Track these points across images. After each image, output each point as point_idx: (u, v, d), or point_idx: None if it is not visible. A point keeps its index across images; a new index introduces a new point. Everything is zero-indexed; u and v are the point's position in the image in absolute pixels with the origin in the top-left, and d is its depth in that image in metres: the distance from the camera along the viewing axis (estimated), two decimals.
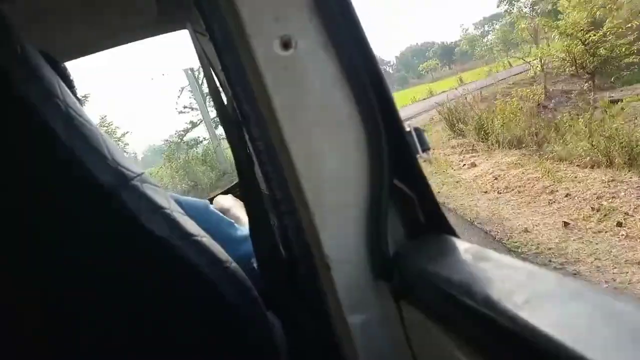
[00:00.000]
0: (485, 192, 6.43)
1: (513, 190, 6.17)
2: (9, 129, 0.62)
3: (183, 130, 16.37)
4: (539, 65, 16.32)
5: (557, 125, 8.53)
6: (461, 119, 11.20)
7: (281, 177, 0.61)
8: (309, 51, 0.56)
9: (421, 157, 0.63)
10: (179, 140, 16.41)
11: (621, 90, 11.58)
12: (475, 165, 7.74)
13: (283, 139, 0.57)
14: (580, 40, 13.13)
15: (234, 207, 1.43)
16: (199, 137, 16.35)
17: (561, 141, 7.61)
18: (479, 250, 0.49)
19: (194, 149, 16.11)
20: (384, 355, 0.61)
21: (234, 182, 2.20)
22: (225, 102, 0.97)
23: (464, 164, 7.97)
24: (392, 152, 0.59)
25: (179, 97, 17.07)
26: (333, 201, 0.59)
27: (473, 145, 9.46)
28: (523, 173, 6.60)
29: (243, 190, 1.05)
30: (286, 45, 0.55)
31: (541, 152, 7.55)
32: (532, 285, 0.37)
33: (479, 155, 8.49)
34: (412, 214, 0.61)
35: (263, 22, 0.55)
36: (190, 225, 0.72)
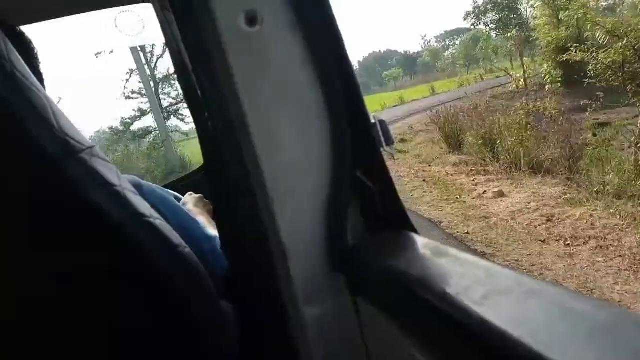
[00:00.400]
0: (543, 241, 4.37)
1: (588, 242, 4.14)
2: None
3: (129, 118, 15.10)
4: (522, 80, 16.01)
5: (574, 148, 7.17)
6: (457, 130, 9.89)
7: (239, 158, 0.58)
8: (275, 29, 0.53)
9: (385, 150, 0.62)
10: (125, 129, 15.21)
11: (604, 113, 11.16)
12: (504, 195, 5.91)
13: (243, 118, 0.55)
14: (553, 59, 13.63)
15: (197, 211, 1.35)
16: (149, 126, 15.07)
17: (600, 171, 6.29)
18: (437, 247, 0.48)
19: (142, 140, 14.97)
20: (337, 349, 0.60)
21: (188, 172, 2.12)
22: (191, 82, 0.93)
23: (484, 191, 6.19)
24: (356, 143, 0.58)
25: (127, 80, 14.95)
26: (292, 187, 0.57)
27: (481, 164, 7.98)
28: (591, 216, 4.60)
29: (209, 175, 1.01)
30: (252, 21, 0.52)
31: (584, 183, 6.05)
32: (490, 281, 0.37)
33: (498, 180, 6.74)
34: (373, 208, 0.60)
35: None
36: (142, 205, 0.68)
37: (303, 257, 0.59)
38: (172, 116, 15.47)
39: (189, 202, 1.34)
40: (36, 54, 0.88)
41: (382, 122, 0.60)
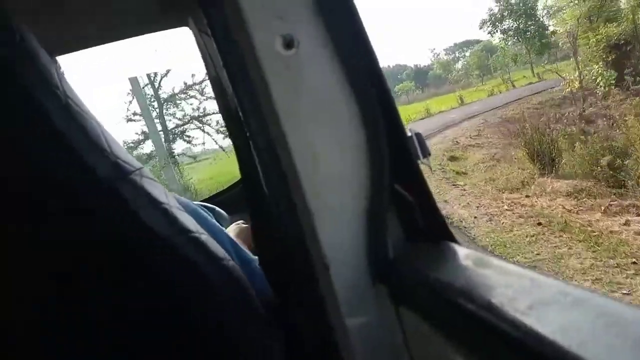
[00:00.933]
0: None
1: None
2: (8, 118, 0.61)
3: (133, 142, 13.93)
4: (577, 82, 14.29)
5: None
6: (550, 146, 7.79)
7: (281, 175, 0.60)
8: (311, 51, 0.55)
9: (422, 162, 0.62)
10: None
11: None
12: None
13: (284, 137, 0.57)
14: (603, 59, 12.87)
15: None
16: (152, 151, 13.71)
17: None
18: (480, 257, 0.48)
19: (146, 165, 13.84)
20: (383, 359, 0.60)
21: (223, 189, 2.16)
22: (229, 100, 0.97)
23: None
24: (393, 156, 0.59)
25: (130, 102, 13.58)
26: (333, 202, 0.59)
27: (614, 194, 5.82)
28: None
29: (247, 193, 1.04)
30: (289, 44, 0.55)
31: None
32: (535, 291, 0.37)
33: None
34: (412, 220, 0.60)
35: (265, 20, 0.54)
36: (188, 221, 0.71)
37: (345, 269, 0.60)
38: (178, 138, 14.56)
39: (233, 231, 1.36)
40: (64, 76, 0.93)
41: (418, 134, 0.61)
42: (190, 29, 1.16)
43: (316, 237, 0.59)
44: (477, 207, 6.78)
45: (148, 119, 12.14)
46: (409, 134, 0.60)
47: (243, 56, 0.58)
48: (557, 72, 16.54)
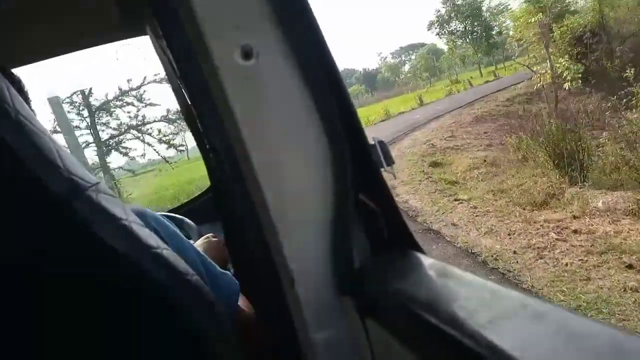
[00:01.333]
0: None
1: None
2: None
3: None
4: (548, 76, 13.44)
5: None
6: (576, 147, 6.17)
7: (244, 189, 0.59)
8: (271, 61, 0.54)
9: (385, 170, 0.62)
10: None
11: None
12: None
13: (245, 150, 0.56)
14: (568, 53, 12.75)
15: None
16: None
17: None
18: (443, 267, 0.48)
19: None
20: None
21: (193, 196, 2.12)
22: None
23: None
24: (357, 166, 0.58)
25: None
26: (296, 214, 0.58)
27: None
28: None
29: (217, 203, 1.02)
30: (247, 55, 0.54)
31: None
32: (495, 304, 0.37)
33: None
34: (377, 229, 0.60)
35: (223, 30, 0.53)
36: (149, 237, 0.69)
37: (311, 282, 0.59)
38: (113, 150, 13.50)
39: (201, 246, 1.32)
40: (27, 92, 0.90)
41: (381, 142, 0.61)
42: (149, 35, 1.14)
43: (281, 251, 0.58)
44: (509, 234, 4.82)
45: (67, 132, 10.61)
46: (372, 142, 0.60)
47: (201, 68, 0.57)
48: (527, 66, 15.57)
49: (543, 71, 13.75)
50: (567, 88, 13.47)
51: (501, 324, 0.34)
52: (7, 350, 0.65)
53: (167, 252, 0.71)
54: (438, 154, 10.30)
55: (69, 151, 0.68)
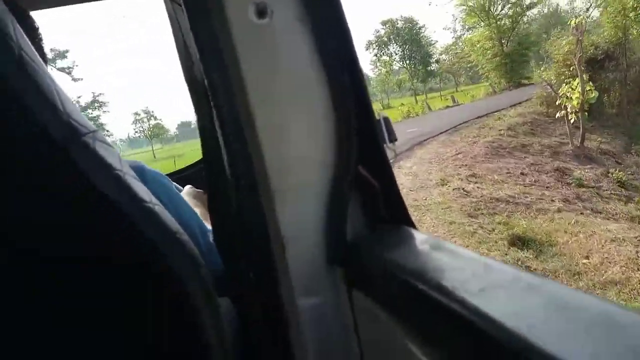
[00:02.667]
0: None
1: None
2: None
3: None
4: (576, 100, 10.71)
5: None
6: None
7: (244, 150, 0.59)
8: (285, 23, 0.54)
9: (388, 147, 0.62)
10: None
11: None
12: None
13: (250, 111, 0.55)
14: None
15: (194, 204, 1.33)
16: None
17: None
18: (436, 242, 0.48)
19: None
20: (331, 341, 0.60)
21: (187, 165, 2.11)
22: (195, 72, 0.94)
23: None
24: (360, 139, 0.58)
25: None
26: (295, 181, 0.58)
27: None
28: None
29: (207, 170, 1.01)
30: (261, 13, 0.53)
31: None
32: (487, 276, 0.37)
33: None
34: (374, 203, 0.60)
35: None
36: (142, 191, 0.68)
37: (302, 249, 0.59)
38: None
39: (188, 194, 1.34)
40: (41, 37, 0.89)
41: (386, 118, 0.61)
42: None
43: (275, 215, 0.58)
44: None
45: None
46: (377, 117, 0.60)
47: (214, 24, 0.56)
48: (551, 87, 13.19)
49: (569, 93, 11.03)
50: (573, 120, 11.20)
51: (491, 294, 0.34)
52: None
53: (159, 208, 0.71)
54: (491, 211, 6.69)
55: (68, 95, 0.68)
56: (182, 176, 1.72)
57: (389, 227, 0.58)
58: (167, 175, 1.88)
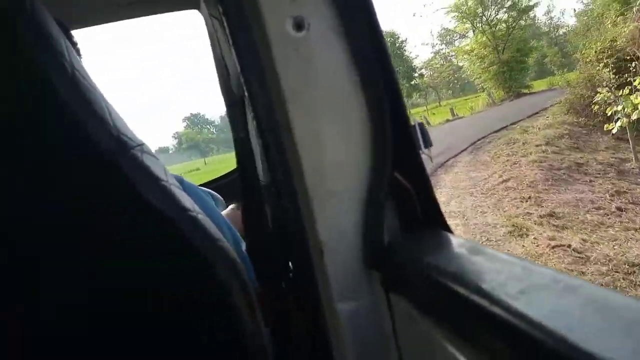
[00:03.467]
0: None
1: None
2: (13, 86, 0.61)
3: None
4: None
5: None
6: None
7: (283, 159, 0.61)
8: (321, 34, 0.56)
9: (423, 152, 0.63)
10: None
11: None
12: None
13: (288, 120, 0.57)
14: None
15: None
16: None
17: None
18: (473, 245, 0.49)
19: None
20: (370, 345, 0.61)
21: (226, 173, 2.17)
22: (232, 84, 0.97)
23: None
24: (396, 145, 0.59)
25: None
26: (333, 187, 0.59)
27: None
28: None
29: (241, 177, 1.05)
30: (299, 26, 0.55)
31: None
32: (526, 278, 0.37)
33: None
34: (410, 208, 0.61)
35: (278, 0, 0.55)
36: (187, 200, 0.71)
37: (339, 254, 0.60)
38: None
39: (226, 213, 1.37)
40: (78, 48, 0.94)
41: (421, 124, 0.62)
42: (201, 11, 1.17)
43: (313, 221, 0.60)
44: None
45: None
46: (412, 123, 0.61)
47: (253, 36, 0.59)
48: (609, 87, 10.04)
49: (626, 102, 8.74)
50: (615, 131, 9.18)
51: (531, 295, 0.35)
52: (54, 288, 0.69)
53: (202, 216, 0.74)
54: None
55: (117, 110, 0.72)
56: (214, 186, 1.77)
57: (425, 232, 0.59)
58: (207, 183, 1.95)
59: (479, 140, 13.38)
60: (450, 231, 0.57)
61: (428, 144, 0.61)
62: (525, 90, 28.44)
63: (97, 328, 0.71)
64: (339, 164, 0.59)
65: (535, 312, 0.32)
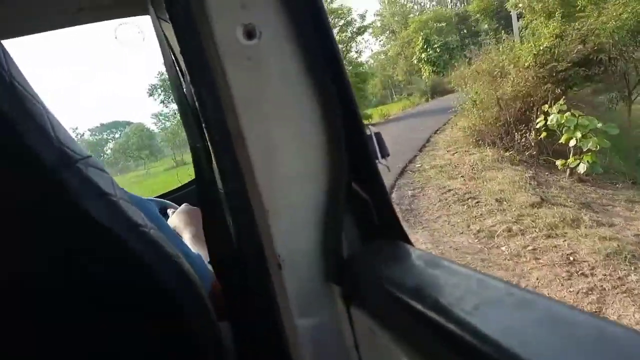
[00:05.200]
0: None
1: None
2: None
3: None
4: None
5: None
6: None
7: (236, 169, 0.58)
8: (273, 42, 0.54)
9: (380, 162, 0.62)
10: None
11: None
12: None
13: (240, 130, 0.55)
14: None
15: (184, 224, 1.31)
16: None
17: None
18: (431, 258, 0.48)
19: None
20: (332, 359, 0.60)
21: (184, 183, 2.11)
22: (185, 92, 0.94)
23: None
24: (352, 154, 0.58)
25: None
26: (288, 199, 0.57)
27: None
28: None
29: (199, 186, 1.01)
30: (250, 34, 0.53)
31: None
32: (481, 292, 0.37)
33: None
34: (368, 219, 0.60)
35: (227, 8, 0.53)
36: (136, 215, 0.68)
37: (298, 268, 0.59)
38: None
39: (183, 212, 1.33)
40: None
41: (377, 134, 0.61)
42: (150, 15, 1.12)
43: (270, 235, 0.58)
44: None
45: None
46: (368, 132, 0.60)
47: (202, 44, 0.56)
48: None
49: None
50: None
51: (486, 311, 0.34)
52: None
53: (154, 231, 0.70)
54: None
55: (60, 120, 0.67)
56: (176, 196, 1.72)
57: (384, 243, 0.58)
58: (161, 195, 1.88)
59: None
60: (409, 241, 0.57)
61: (385, 153, 0.60)
62: (366, 121, 26.58)
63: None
64: (294, 174, 0.58)
65: (490, 329, 0.32)
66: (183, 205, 1.39)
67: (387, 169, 0.63)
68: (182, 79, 0.96)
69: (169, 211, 1.43)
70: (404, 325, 0.43)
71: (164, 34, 0.98)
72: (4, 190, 0.61)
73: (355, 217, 0.60)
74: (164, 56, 1.05)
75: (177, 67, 1.00)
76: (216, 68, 0.56)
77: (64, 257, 0.65)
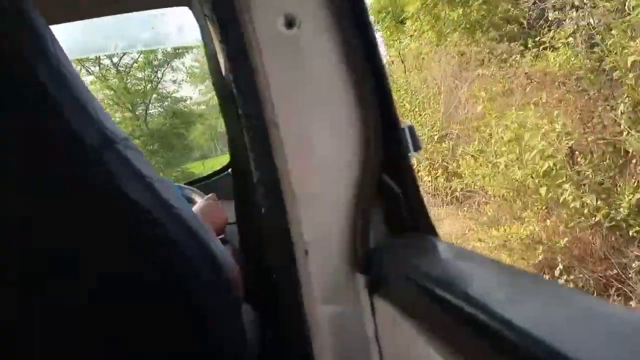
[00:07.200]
0: None
1: None
2: None
3: None
4: None
5: None
6: None
7: (269, 157, 0.60)
8: (312, 33, 0.55)
9: (412, 156, 0.62)
10: None
11: None
12: None
13: (276, 119, 0.57)
14: None
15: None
16: None
17: None
18: (460, 250, 0.48)
19: None
20: (352, 349, 0.60)
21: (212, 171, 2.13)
22: (225, 82, 0.96)
23: None
24: (385, 147, 0.59)
25: None
26: (320, 188, 0.58)
27: None
28: None
29: (235, 178, 1.03)
30: (290, 23, 0.54)
31: None
32: (514, 285, 0.37)
33: None
34: (397, 212, 0.60)
35: None
36: (171, 196, 0.70)
37: (324, 256, 0.59)
38: None
39: (199, 206, 1.34)
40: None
41: (411, 127, 0.61)
42: (192, 8, 1.15)
43: (299, 221, 0.59)
44: None
45: None
46: (402, 126, 0.60)
47: (243, 33, 0.58)
48: None
49: None
50: None
51: (518, 302, 0.34)
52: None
53: (187, 213, 0.72)
54: None
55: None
56: (206, 183, 1.75)
57: (412, 236, 0.58)
58: (192, 181, 1.92)
59: None
60: (437, 235, 0.57)
61: (417, 147, 0.60)
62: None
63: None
64: (326, 164, 0.58)
65: (521, 320, 0.32)
66: (207, 198, 1.40)
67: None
68: (222, 70, 0.98)
69: (195, 197, 1.43)
70: (432, 315, 0.44)
71: (206, 25, 1.00)
72: (53, 175, 0.64)
73: (385, 209, 0.60)
74: (205, 49, 1.08)
75: (217, 60, 1.02)
76: (256, 57, 0.57)
77: (101, 233, 0.67)
